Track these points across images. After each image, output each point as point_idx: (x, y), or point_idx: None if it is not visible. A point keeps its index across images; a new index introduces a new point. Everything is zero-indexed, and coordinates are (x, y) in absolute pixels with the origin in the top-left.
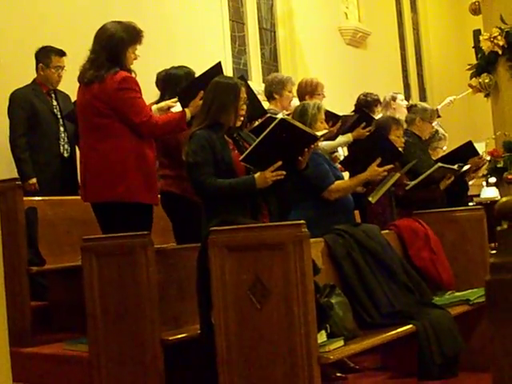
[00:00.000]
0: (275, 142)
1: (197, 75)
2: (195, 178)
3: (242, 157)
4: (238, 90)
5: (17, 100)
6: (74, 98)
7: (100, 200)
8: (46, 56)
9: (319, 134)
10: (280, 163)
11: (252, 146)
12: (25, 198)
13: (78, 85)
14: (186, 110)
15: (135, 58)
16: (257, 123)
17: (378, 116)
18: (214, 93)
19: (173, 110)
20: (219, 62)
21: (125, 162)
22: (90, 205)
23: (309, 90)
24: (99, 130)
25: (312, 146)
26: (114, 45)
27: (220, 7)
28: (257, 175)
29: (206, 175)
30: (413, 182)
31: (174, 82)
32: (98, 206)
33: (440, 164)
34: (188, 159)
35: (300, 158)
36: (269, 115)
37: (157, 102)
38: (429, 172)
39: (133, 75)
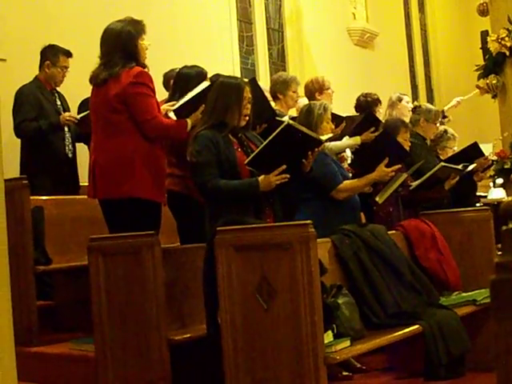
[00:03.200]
0: (280, 146)
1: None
2: (198, 179)
3: (247, 160)
4: (242, 89)
5: (25, 96)
6: (73, 98)
7: (108, 196)
8: (55, 54)
9: (324, 138)
10: (284, 167)
11: (257, 150)
12: (31, 197)
13: (80, 85)
14: (188, 120)
15: (147, 49)
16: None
17: (379, 114)
18: (218, 93)
19: (169, 113)
20: (214, 82)
21: (133, 159)
22: (96, 204)
23: (317, 87)
24: (111, 126)
25: (316, 149)
26: (125, 40)
27: (228, 7)
28: (261, 178)
29: (210, 176)
30: (416, 182)
31: (184, 81)
32: (106, 202)
33: (443, 164)
34: (192, 159)
35: (304, 161)
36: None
37: (166, 101)
38: (432, 172)
39: (146, 70)
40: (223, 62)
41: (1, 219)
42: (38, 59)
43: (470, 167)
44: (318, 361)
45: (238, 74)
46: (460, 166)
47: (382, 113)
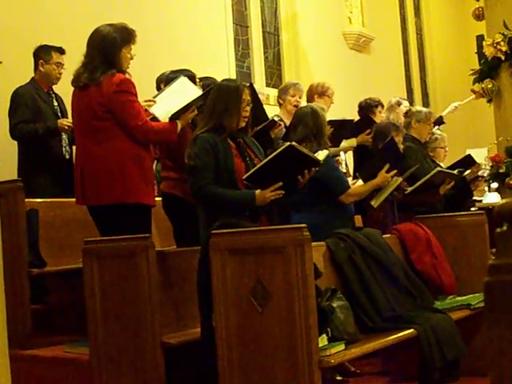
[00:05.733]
0: (278, 164)
1: (199, 77)
2: (194, 182)
3: (245, 176)
4: (240, 92)
5: (21, 98)
6: (68, 99)
7: (100, 203)
8: (47, 52)
9: (321, 158)
10: (281, 184)
11: (256, 167)
12: (26, 200)
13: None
14: (178, 121)
15: (131, 58)
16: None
17: (380, 116)
18: (217, 96)
19: (150, 110)
20: (211, 88)
21: (122, 164)
22: (87, 208)
23: (319, 90)
24: (97, 133)
25: (313, 169)
26: (108, 46)
27: (224, 10)
28: (257, 192)
29: (206, 180)
30: (412, 187)
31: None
32: (97, 208)
33: (439, 168)
34: (189, 162)
35: (300, 178)
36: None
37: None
38: (428, 176)
39: (127, 76)
40: (219, 65)
41: None
42: (33, 59)
43: (466, 172)
44: (313, 364)
45: (234, 78)
46: (455, 172)
47: (383, 116)
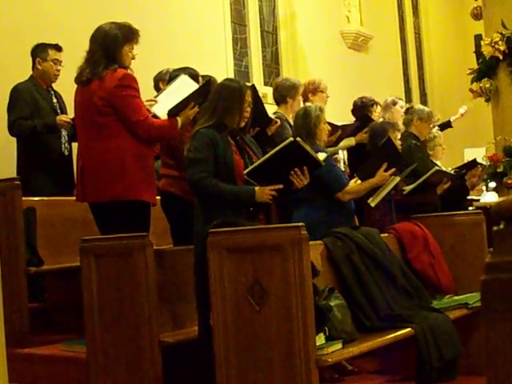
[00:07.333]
0: (280, 160)
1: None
2: (193, 174)
3: (246, 171)
4: (244, 93)
5: (20, 94)
6: (69, 96)
7: (99, 200)
8: (43, 50)
9: (322, 158)
10: (281, 186)
11: (259, 162)
12: (24, 198)
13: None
14: (178, 118)
15: (133, 58)
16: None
17: (376, 116)
18: (220, 95)
19: (152, 109)
20: (209, 80)
21: (123, 161)
22: (88, 205)
23: (311, 88)
24: (99, 129)
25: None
26: (109, 42)
27: (222, 9)
28: (257, 188)
29: (205, 173)
30: (410, 187)
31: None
32: (97, 205)
33: (437, 168)
34: (189, 155)
35: (299, 181)
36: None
37: None
38: (425, 176)
39: (129, 72)
40: (217, 64)
41: None
42: (31, 59)
43: (462, 171)
44: (310, 363)
45: (232, 77)
46: (452, 171)
47: (378, 115)
